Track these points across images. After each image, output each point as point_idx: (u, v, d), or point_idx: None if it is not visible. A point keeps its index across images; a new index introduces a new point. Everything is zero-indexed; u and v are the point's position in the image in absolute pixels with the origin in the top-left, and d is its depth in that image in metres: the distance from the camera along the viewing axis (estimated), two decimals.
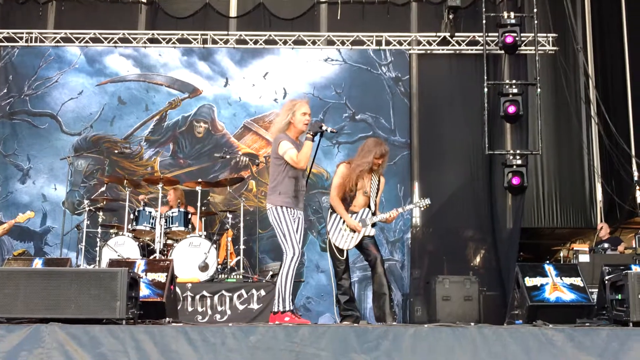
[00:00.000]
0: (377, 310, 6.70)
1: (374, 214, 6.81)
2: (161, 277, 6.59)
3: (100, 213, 9.63)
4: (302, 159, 6.03)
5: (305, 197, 6.33)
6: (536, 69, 11.08)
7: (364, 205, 6.79)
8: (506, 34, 11.02)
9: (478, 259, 11.52)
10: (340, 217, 6.72)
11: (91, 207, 9.57)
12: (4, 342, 4.71)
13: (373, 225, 6.82)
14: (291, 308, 6.06)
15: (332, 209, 6.81)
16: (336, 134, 7.10)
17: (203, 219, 9.55)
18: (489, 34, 11.33)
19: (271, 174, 6.24)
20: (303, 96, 10.39)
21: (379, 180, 6.93)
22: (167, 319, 6.10)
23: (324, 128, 6.13)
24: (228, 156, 10.79)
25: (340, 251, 6.69)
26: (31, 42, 11.64)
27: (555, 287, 6.38)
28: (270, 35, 11.69)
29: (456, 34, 11.72)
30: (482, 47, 11.32)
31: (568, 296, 6.34)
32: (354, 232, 6.69)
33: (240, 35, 11.71)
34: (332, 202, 6.80)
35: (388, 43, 11.72)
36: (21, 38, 11.61)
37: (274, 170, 6.20)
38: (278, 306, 6.06)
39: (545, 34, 11.60)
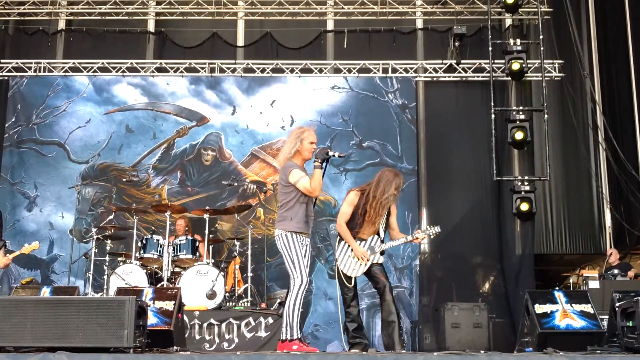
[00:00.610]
0: (385, 338, 6.64)
1: (382, 241, 6.77)
2: (169, 305, 6.58)
3: (108, 241, 9.63)
4: (316, 187, 6.03)
5: (313, 224, 6.30)
6: (543, 95, 11.10)
7: (372, 232, 6.75)
8: (512, 61, 11.06)
9: (487, 286, 11.46)
10: (347, 245, 6.68)
11: (99, 236, 9.58)
12: None
13: (382, 253, 6.77)
14: (299, 336, 6.00)
15: (340, 237, 6.76)
16: (344, 158, 7.05)
17: (211, 247, 9.54)
18: (495, 61, 11.38)
19: (280, 201, 6.22)
20: (310, 123, 10.43)
21: (389, 208, 6.89)
22: (175, 347, 6.07)
23: (330, 154, 6.13)
24: (236, 184, 10.81)
25: (349, 278, 6.65)
26: (40, 72, 11.74)
27: (566, 314, 6.33)
28: (277, 64, 11.76)
29: (462, 61, 11.77)
30: (488, 74, 11.36)
31: (578, 323, 6.30)
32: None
33: (248, 64, 11.79)
34: (340, 229, 6.75)
35: (394, 70, 11.78)
36: (30, 68, 11.72)
37: (284, 198, 6.17)
38: (286, 334, 6.00)
39: (551, 61, 11.64)
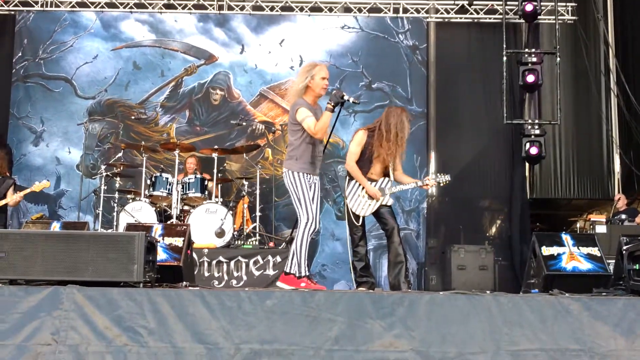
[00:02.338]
0: (392, 279, 6.68)
1: (394, 183, 6.75)
2: (178, 241, 6.62)
3: (117, 178, 9.66)
4: (320, 129, 5.89)
5: (321, 164, 6.26)
6: (556, 37, 10.94)
7: (381, 173, 6.74)
8: (526, 2, 10.86)
9: (494, 229, 11.51)
10: (359, 184, 6.67)
11: (108, 173, 9.60)
12: (23, 304, 4.74)
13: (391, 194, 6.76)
14: (307, 274, 6.01)
15: (350, 176, 6.75)
16: (358, 104, 6.95)
17: (219, 186, 9.56)
18: (508, 2, 11.20)
19: (289, 140, 6.18)
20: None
21: None
22: (184, 283, 6.13)
23: (345, 98, 5.94)
24: (244, 123, 10.77)
25: (357, 217, 6.66)
26: (47, 6, 11.59)
27: (572, 257, 6.34)
28: (286, 2, 11.60)
29: (475, 2, 11.60)
30: (501, 16, 11.18)
31: (585, 266, 6.31)
32: (372, 199, 6.65)
33: (257, 1, 11.62)
34: (350, 168, 6.71)
35: (406, 11, 11.61)
36: (37, 2, 11.57)
37: (292, 136, 6.11)
38: (292, 268, 5.98)
39: (564, 3, 11.47)
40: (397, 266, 6.62)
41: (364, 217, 6.68)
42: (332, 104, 5.88)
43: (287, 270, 6.03)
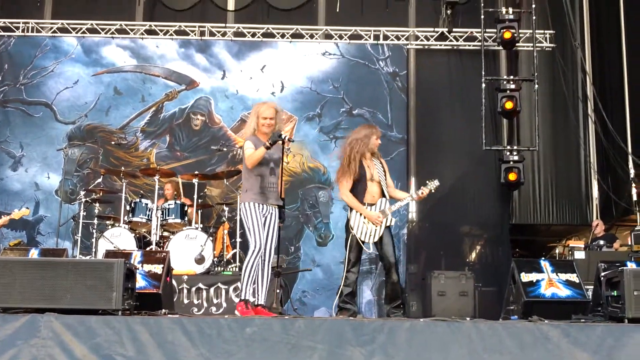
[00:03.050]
0: (388, 310, 6.76)
1: (390, 200, 6.78)
2: (157, 268, 6.60)
3: (96, 204, 9.60)
4: (249, 161, 6.20)
5: (278, 192, 6.31)
6: (534, 65, 11.07)
7: (379, 194, 6.76)
8: (504, 30, 11.00)
9: (474, 255, 11.54)
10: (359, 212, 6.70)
11: (87, 198, 9.55)
12: (0, 332, 4.69)
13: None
14: (246, 298, 6.12)
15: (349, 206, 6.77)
16: (290, 142, 7.12)
17: (200, 212, 9.54)
18: (487, 30, 11.32)
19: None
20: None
21: (381, 162, 6.91)
22: (164, 310, 6.10)
23: (283, 136, 6.22)
24: (225, 149, 10.78)
25: (364, 244, 6.69)
26: (28, 32, 11.59)
27: (551, 283, 6.39)
28: (268, 29, 11.67)
29: (454, 30, 11.72)
30: (480, 43, 11.31)
31: (564, 292, 6.36)
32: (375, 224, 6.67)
33: (238, 27, 11.68)
34: (345, 198, 6.77)
35: (386, 38, 11.71)
36: (18, 28, 11.57)
37: (242, 171, 6.44)
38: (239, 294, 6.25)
39: (543, 31, 11.60)
40: (394, 302, 6.70)
41: (363, 243, 6.69)
42: (270, 142, 6.16)
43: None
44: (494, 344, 4.79)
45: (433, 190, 6.92)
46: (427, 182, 6.92)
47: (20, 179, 11.23)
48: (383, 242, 6.70)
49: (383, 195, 6.76)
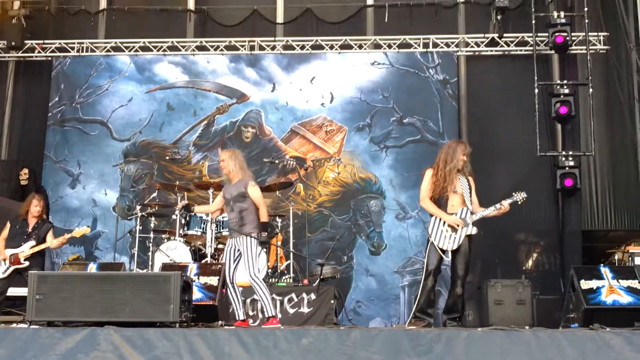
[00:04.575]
0: (444, 320, 6.73)
1: (472, 212, 6.71)
2: (213, 280, 6.66)
3: (152, 218, 9.74)
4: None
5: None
6: (588, 68, 10.86)
7: (460, 204, 6.71)
8: (556, 34, 10.83)
9: (530, 262, 11.34)
10: (439, 219, 6.65)
11: (143, 213, 9.69)
12: (61, 345, 4.79)
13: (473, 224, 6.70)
14: (242, 318, 6.48)
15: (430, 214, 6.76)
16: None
17: None
18: (539, 34, 11.15)
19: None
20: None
21: (467, 179, 6.85)
22: (220, 322, 6.14)
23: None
24: (277, 161, 10.82)
25: (444, 252, 6.64)
26: (82, 52, 11.87)
27: (612, 290, 6.25)
28: (316, 41, 11.71)
29: (505, 35, 11.57)
30: (531, 48, 11.15)
31: (625, 299, 6.21)
32: (455, 230, 6.61)
33: (287, 40, 11.76)
34: (425, 205, 6.77)
35: (435, 45, 11.64)
36: (73, 48, 11.86)
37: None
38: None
39: (596, 33, 11.39)
40: (452, 313, 6.67)
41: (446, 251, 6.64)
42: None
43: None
44: (554, 352, 4.70)
45: (520, 202, 6.78)
46: (514, 193, 6.79)
47: (79, 196, 11.48)
48: (460, 252, 6.63)
49: (465, 206, 6.71)
